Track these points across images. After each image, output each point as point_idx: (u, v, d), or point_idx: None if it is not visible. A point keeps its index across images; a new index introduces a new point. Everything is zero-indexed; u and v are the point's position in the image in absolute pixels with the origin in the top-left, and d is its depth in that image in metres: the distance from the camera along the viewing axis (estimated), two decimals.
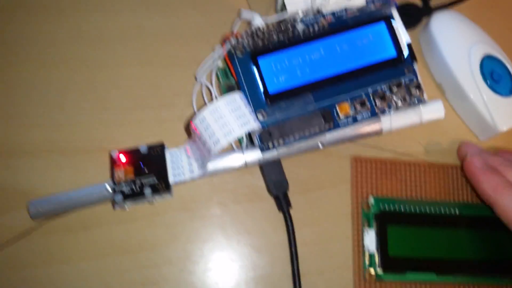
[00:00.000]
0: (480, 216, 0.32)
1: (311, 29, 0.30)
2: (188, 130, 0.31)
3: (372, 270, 0.30)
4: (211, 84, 0.31)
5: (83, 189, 0.28)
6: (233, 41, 0.29)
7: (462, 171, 0.33)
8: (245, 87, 0.29)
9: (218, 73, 0.31)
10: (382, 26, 0.31)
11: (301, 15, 0.31)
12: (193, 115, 0.30)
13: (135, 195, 0.27)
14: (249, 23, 0.30)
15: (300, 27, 0.30)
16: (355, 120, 0.30)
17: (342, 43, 0.30)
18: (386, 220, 0.31)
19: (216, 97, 0.31)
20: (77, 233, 0.29)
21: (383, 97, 0.30)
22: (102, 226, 0.29)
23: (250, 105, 0.29)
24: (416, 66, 0.31)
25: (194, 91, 0.31)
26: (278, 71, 0.29)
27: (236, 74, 0.29)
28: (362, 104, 0.30)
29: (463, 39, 0.35)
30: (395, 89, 0.30)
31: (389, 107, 0.30)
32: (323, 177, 0.32)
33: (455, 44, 0.35)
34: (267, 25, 0.30)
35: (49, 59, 0.32)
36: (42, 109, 0.31)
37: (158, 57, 0.33)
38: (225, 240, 0.30)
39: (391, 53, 0.31)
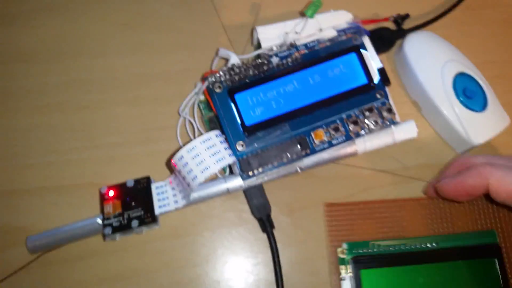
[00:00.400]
0: (461, 247, 0.32)
1: (285, 63, 0.32)
2: (169, 165, 0.33)
3: None
4: (193, 118, 0.33)
5: (76, 223, 0.30)
6: (211, 78, 0.31)
7: (448, 199, 0.32)
8: (224, 120, 0.31)
9: (201, 105, 0.33)
10: (352, 57, 0.33)
11: (275, 49, 0.32)
12: (178, 148, 0.32)
13: (123, 227, 0.29)
14: (226, 61, 0.32)
15: (274, 60, 0.32)
16: (330, 144, 0.31)
17: (314, 74, 0.32)
18: (360, 264, 0.30)
19: (198, 129, 0.32)
20: (73, 264, 0.31)
21: (356, 122, 0.32)
22: (96, 256, 0.31)
23: (230, 136, 0.30)
24: (387, 90, 0.33)
25: (178, 125, 0.33)
26: (254, 104, 0.31)
27: (216, 108, 0.31)
28: (336, 129, 0.31)
29: (436, 58, 0.37)
30: (367, 113, 0.32)
31: (363, 130, 0.32)
32: (305, 197, 0.34)
33: (428, 63, 0.36)
34: (243, 62, 0.32)
35: (42, 103, 0.35)
36: (38, 150, 0.33)
37: (144, 95, 0.35)
38: (213, 263, 0.31)
39: (362, 80, 0.32)
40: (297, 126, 0.31)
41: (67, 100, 0.35)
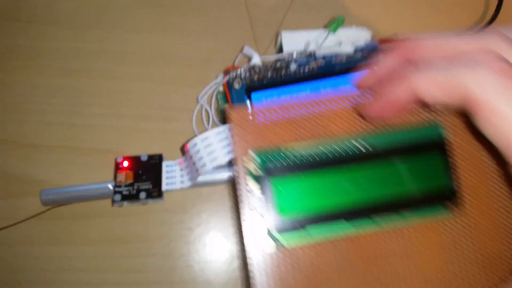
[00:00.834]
0: (393, 144, 0.26)
1: (302, 70, 0.34)
2: (183, 149, 0.35)
3: (268, 240, 0.25)
4: (210, 107, 0.35)
5: (89, 185, 0.33)
6: (232, 73, 0.33)
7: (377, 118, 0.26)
8: None
9: (218, 96, 0.36)
10: None
11: (295, 56, 0.35)
12: (191, 130, 0.35)
13: (131, 197, 0.31)
14: (249, 59, 0.35)
15: (293, 67, 0.34)
16: None
17: (327, 86, 0.34)
18: (268, 172, 0.25)
19: (212, 118, 0.35)
20: (80, 221, 0.34)
21: None
22: (102, 217, 0.34)
23: None
24: None
25: (195, 110, 0.36)
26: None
27: (232, 102, 0.33)
28: None
29: None
30: None
31: None
32: None
33: None
34: (264, 63, 0.34)
35: (72, 67, 0.37)
36: (62, 110, 0.36)
37: (168, 75, 0.37)
38: (204, 243, 0.34)
39: None
40: None
41: (97, 68, 0.37)
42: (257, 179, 0.25)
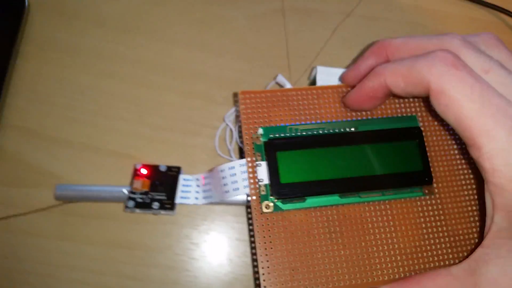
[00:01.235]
0: (379, 130, 0.31)
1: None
2: (202, 165, 0.36)
3: (268, 202, 0.28)
4: (235, 127, 0.35)
5: (104, 186, 0.33)
6: None
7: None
8: None
9: None
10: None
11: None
12: (213, 148, 0.35)
13: (144, 205, 0.31)
14: (281, 87, 0.35)
15: None
16: None
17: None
18: (275, 147, 0.29)
19: (236, 139, 0.35)
20: (89, 220, 0.34)
21: None
22: (111, 220, 0.34)
23: None
24: None
25: (219, 128, 0.36)
26: None
27: None
28: None
29: None
30: None
31: None
32: None
33: None
34: None
35: (106, 69, 0.38)
36: (90, 109, 0.36)
37: (197, 91, 0.38)
38: (211, 261, 0.34)
39: None
40: None
41: (130, 73, 0.38)
42: (262, 152, 0.29)
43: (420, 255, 0.29)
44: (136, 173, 0.32)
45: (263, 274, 0.27)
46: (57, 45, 0.38)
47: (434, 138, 0.32)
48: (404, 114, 0.32)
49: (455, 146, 0.32)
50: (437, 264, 0.29)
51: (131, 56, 0.38)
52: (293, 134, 0.30)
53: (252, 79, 0.39)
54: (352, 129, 0.31)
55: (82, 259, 0.33)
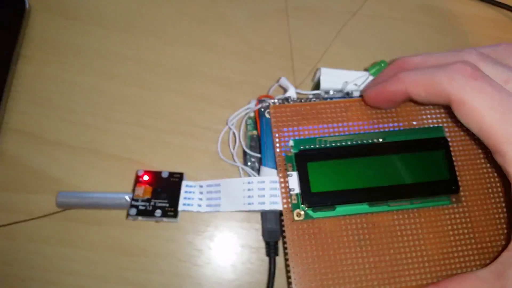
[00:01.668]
0: (406, 141, 0.32)
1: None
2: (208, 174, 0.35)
3: (300, 211, 0.30)
4: (238, 131, 0.35)
5: (106, 193, 0.32)
6: (265, 103, 0.33)
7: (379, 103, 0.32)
8: (265, 144, 0.33)
9: (248, 121, 0.35)
10: None
11: (332, 93, 0.34)
12: (215, 151, 0.35)
13: (147, 212, 0.31)
14: (284, 90, 0.34)
15: None
16: None
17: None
18: (305, 158, 0.31)
19: (239, 143, 0.35)
20: (91, 226, 0.34)
21: None
22: (113, 226, 0.34)
23: (264, 160, 0.32)
24: None
25: (222, 131, 0.35)
26: None
27: (261, 131, 0.33)
28: None
29: None
30: None
31: None
32: None
33: None
34: (299, 97, 0.34)
35: (108, 71, 0.37)
36: (91, 112, 0.36)
37: (200, 92, 0.37)
38: (215, 268, 0.34)
39: None
40: None
41: (132, 75, 0.37)
42: (293, 162, 0.31)
43: (447, 261, 0.30)
44: (138, 180, 0.32)
45: (295, 279, 0.28)
46: (58, 47, 0.38)
47: (461, 147, 0.32)
48: (431, 125, 0.33)
49: (481, 155, 0.32)
50: (464, 270, 0.30)
51: (132, 57, 0.38)
52: (323, 145, 0.31)
53: (256, 80, 0.38)
54: (380, 140, 0.32)
55: (84, 265, 0.33)
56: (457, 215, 0.31)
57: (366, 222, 0.30)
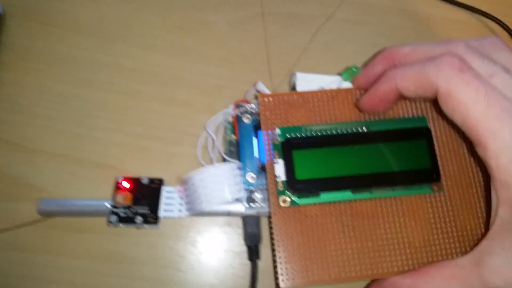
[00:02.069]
0: (389, 130, 0.33)
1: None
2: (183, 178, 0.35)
3: (285, 197, 0.31)
4: (216, 135, 0.35)
5: (86, 200, 0.33)
6: (242, 108, 0.34)
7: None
8: (244, 149, 0.33)
9: (227, 126, 0.36)
10: None
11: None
12: (195, 156, 0.35)
13: (128, 220, 0.31)
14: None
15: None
16: None
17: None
18: (291, 146, 0.31)
19: (217, 147, 0.35)
20: (73, 234, 0.34)
21: None
22: (95, 233, 0.34)
23: (244, 165, 0.33)
24: None
25: (201, 137, 0.36)
26: None
27: (239, 136, 0.34)
28: None
29: None
30: None
31: None
32: None
33: None
34: None
35: (85, 77, 0.37)
36: (70, 119, 0.36)
37: (178, 98, 0.37)
38: (197, 274, 0.34)
39: None
40: None
41: (109, 81, 0.37)
42: (279, 150, 0.32)
43: (428, 248, 0.31)
44: (118, 187, 0.32)
45: (280, 263, 0.30)
46: (35, 54, 0.38)
47: (444, 138, 0.33)
48: (415, 115, 0.34)
49: (463, 145, 0.33)
50: (445, 257, 0.31)
51: (110, 64, 0.38)
52: (308, 134, 0.32)
53: (234, 85, 0.38)
54: (364, 129, 0.33)
55: (67, 273, 0.33)
56: (438, 203, 0.32)
57: (349, 209, 0.31)
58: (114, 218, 0.31)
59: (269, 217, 0.31)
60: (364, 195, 0.31)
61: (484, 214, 0.32)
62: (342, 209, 0.31)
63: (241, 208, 0.33)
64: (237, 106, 0.34)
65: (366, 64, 0.34)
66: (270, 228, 0.30)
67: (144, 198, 0.32)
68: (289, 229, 0.30)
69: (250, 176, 0.33)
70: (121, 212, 0.32)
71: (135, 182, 0.33)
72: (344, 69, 0.35)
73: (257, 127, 0.34)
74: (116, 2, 0.40)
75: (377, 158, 0.32)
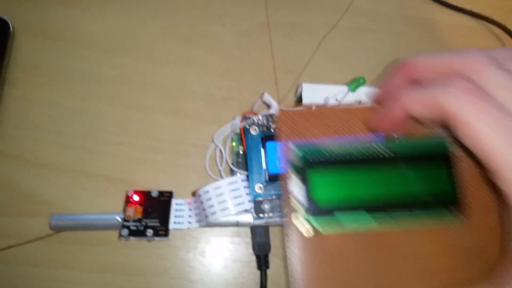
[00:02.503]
0: (411, 152, 0.32)
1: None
2: (193, 190, 0.36)
3: (299, 214, 0.31)
4: (224, 147, 0.36)
5: (97, 215, 0.33)
6: (250, 120, 0.34)
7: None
8: (252, 160, 0.34)
9: (234, 137, 0.36)
10: None
11: (314, 108, 0.35)
12: (204, 168, 0.36)
13: (138, 233, 0.32)
14: (268, 106, 0.35)
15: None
16: None
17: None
18: (307, 164, 0.31)
19: (226, 159, 0.35)
20: (84, 248, 0.34)
21: None
22: (106, 247, 0.34)
23: (252, 176, 0.33)
24: None
25: (209, 148, 0.36)
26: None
27: (247, 147, 0.34)
28: None
29: None
30: None
31: None
32: None
33: None
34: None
35: (94, 92, 0.38)
36: (79, 133, 0.37)
37: (186, 110, 0.38)
38: (204, 284, 0.34)
39: None
40: None
41: (118, 95, 0.38)
42: (297, 169, 0.31)
43: (450, 275, 0.30)
44: (128, 200, 0.33)
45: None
46: (44, 69, 0.38)
47: (466, 162, 0.32)
48: (437, 138, 0.33)
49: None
50: (464, 282, 0.30)
51: (118, 77, 0.38)
52: (326, 152, 0.32)
53: (241, 96, 0.39)
54: (386, 150, 0.32)
55: (79, 286, 0.34)
56: (461, 233, 0.31)
57: (371, 239, 0.31)
58: (125, 231, 0.32)
59: (281, 225, 0.31)
60: (384, 219, 0.31)
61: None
62: (365, 239, 0.31)
63: (249, 218, 0.33)
64: (244, 118, 0.34)
65: (382, 77, 0.33)
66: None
67: (154, 211, 0.33)
68: (309, 262, 0.30)
69: (259, 187, 0.33)
70: (132, 225, 0.32)
71: (145, 195, 0.33)
72: (351, 80, 0.35)
73: (264, 138, 0.34)
74: (123, 16, 0.40)
75: (397, 181, 0.31)
